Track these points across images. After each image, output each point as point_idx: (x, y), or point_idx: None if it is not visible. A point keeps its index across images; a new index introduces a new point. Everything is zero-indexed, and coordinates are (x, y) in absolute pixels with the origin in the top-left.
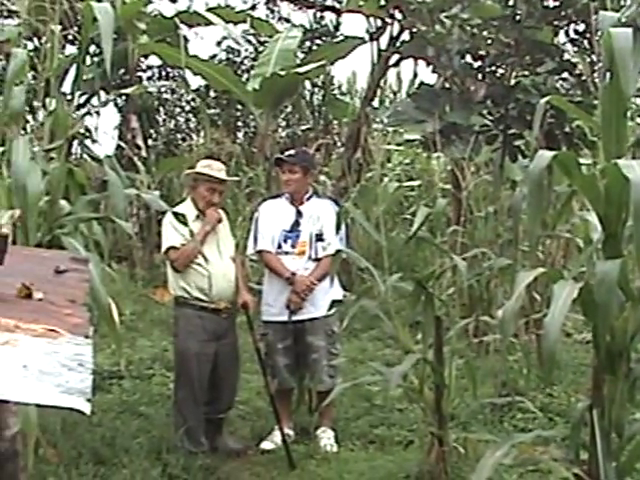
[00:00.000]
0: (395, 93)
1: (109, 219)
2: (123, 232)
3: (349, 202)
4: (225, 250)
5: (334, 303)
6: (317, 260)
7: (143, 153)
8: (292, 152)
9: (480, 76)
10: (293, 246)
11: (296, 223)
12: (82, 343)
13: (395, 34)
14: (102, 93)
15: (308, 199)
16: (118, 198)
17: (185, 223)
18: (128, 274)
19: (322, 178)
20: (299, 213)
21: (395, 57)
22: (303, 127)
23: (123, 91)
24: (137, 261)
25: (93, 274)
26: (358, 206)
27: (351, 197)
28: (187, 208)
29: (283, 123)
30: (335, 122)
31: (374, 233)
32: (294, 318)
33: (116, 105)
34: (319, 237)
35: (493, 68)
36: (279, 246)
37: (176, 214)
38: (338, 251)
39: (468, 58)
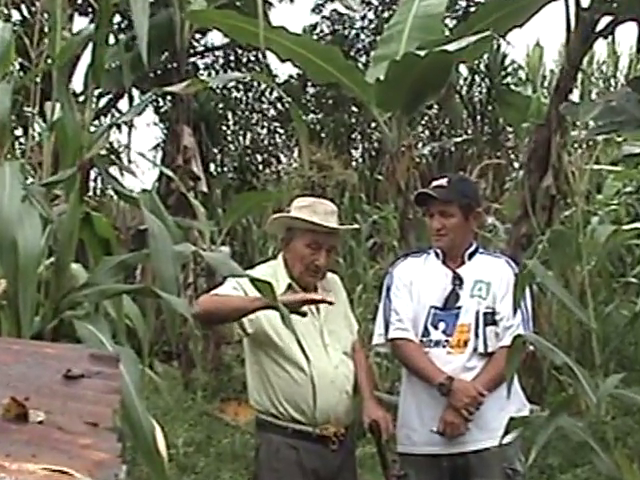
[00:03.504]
0: (607, 79)
1: (150, 292)
2: (173, 313)
3: (534, 258)
4: (335, 341)
5: (514, 423)
6: (487, 355)
7: (202, 186)
8: (444, 182)
9: None
10: (448, 333)
11: (453, 295)
12: None
13: None
14: (135, 92)
15: (471, 256)
16: (164, 259)
17: (272, 296)
18: (182, 380)
19: (489, 220)
20: (457, 279)
21: (605, 20)
22: (457, 139)
23: (168, 89)
24: (196, 359)
25: (126, 381)
26: (550, 264)
27: (537, 250)
28: (274, 272)
29: (425, 133)
30: (509, 129)
31: (576, 308)
32: (452, 450)
33: (158, 111)
34: (490, 318)
35: None
36: (426, 332)
37: (255, 281)
38: (517, 337)
39: None
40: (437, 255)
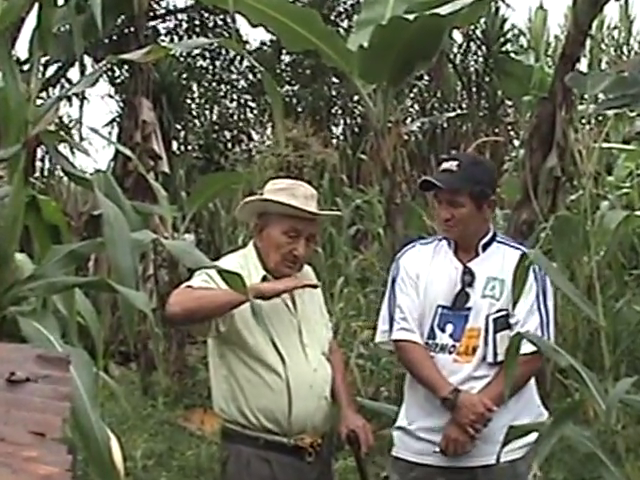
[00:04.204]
0: (619, 47)
1: (105, 286)
2: (130, 309)
3: (536, 247)
4: (314, 340)
5: (514, 432)
6: (497, 364)
7: (164, 166)
8: (453, 165)
9: None
10: (456, 338)
11: (463, 294)
12: None
13: None
14: (87, 60)
15: (486, 247)
16: (120, 248)
17: (243, 290)
18: (140, 384)
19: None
20: (468, 275)
21: None
22: (450, 114)
23: (125, 56)
24: (156, 360)
25: (77, 385)
26: (553, 254)
27: (540, 238)
28: (246, 263)
29: (414, 108)
30: (509, 103)
31: (583, 304)
32: (455, 464)
33: (114, 82)
34: (503, 322)
35: None
36: (431, 334)
37: (224, 273)
38: (516, 335)
39: None
40: (449, 244)
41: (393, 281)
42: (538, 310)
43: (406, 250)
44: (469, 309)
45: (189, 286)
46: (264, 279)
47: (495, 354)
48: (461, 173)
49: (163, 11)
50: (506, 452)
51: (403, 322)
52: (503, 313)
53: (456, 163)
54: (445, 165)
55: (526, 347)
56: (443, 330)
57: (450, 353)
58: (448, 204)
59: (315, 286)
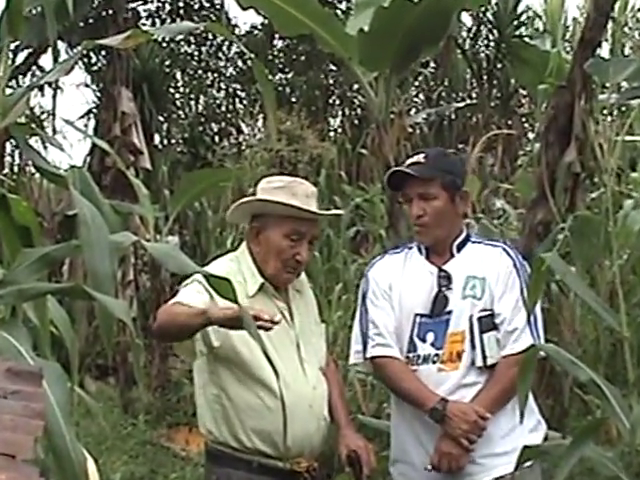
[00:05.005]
0: None
1: (81, 292)
2: (108, 318)
3: (553, 250)
4: (312, 355)
5: (527, 452)
6: (488, 368)
7: (145, 162)
8: (420, 157)
9: None
10: (438, 345)
11: (441, 298)
12: None
13: None
14: (61, 46)
15: (460, 247)
16: (98, 251)
17: (233, 298)
18: (119, 401)
19: (498, 204)
20: (445, 278)
21: None
22: (459, 104)
23: (103, 42)
24: (137, 374)
25: (51, 402)
26: (572, 258)
27: (557, 240)
28: (239, 268)
29: (419, 97)
30: (523, 92)
31: (605, 312)
32: None
33: (89, 69)
34: (488, 322)
35: None
36: (412, 347)
37: (212, 279)
38: (532, 347)
39: None
40: (420, 250)
41: (364, 296)
42: (525, 306)
43: (375, 262)
44: (449, 312)
45: (178, 301)
46: (262, 287)
47: (484, 357)
48: (430, 163)
49: None
50: (506, 465)
51: (378, 337)
52: (487, 313)
53: (423, 155)
54: (411, 159)
55: (519, 344)
56: (424, 340)
57: (434, 363)
58: (420, 198)
59: (275, 323)
